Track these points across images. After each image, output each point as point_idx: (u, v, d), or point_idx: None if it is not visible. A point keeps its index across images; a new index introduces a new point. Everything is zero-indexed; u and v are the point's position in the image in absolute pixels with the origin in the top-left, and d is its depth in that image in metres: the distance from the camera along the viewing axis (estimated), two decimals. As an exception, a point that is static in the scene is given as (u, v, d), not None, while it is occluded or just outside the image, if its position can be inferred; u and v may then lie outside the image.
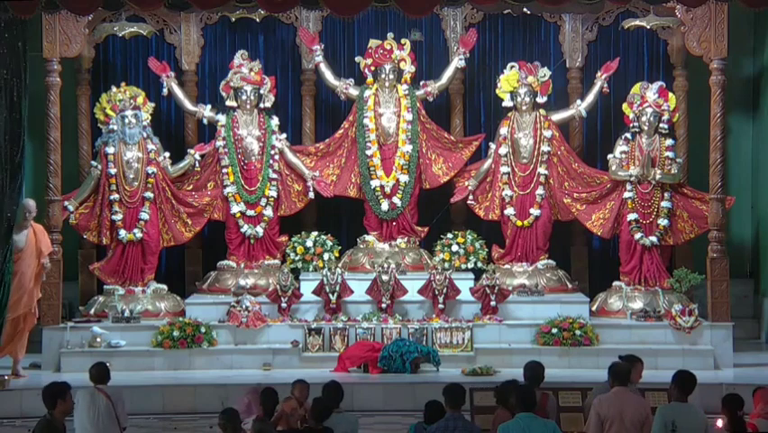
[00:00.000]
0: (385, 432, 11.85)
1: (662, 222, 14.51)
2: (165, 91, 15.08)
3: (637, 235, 14.53)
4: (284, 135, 15.24)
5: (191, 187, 15.16)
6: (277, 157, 15.12)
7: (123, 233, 14.53)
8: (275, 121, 15.18)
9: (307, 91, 15.68)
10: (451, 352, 13.72)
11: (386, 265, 14.31)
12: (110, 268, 14.70)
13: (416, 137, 15.14)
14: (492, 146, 15.20)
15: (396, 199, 15.12)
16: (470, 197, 15.18)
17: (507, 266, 14.97)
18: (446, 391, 8.00)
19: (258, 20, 15.52)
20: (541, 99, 14.99)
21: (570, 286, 14.95)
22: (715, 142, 14.10)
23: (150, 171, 14.69)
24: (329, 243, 15.03)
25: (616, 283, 14.71)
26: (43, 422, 8.12)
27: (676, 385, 7.92)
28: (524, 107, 14.96)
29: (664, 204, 14.51)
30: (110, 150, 14.61)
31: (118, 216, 14.58)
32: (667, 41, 15.43)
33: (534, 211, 14.95)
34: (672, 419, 7.53)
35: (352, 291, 14.33)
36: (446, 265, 14.64)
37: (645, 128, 14.57)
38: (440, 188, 15.36)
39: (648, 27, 14.96)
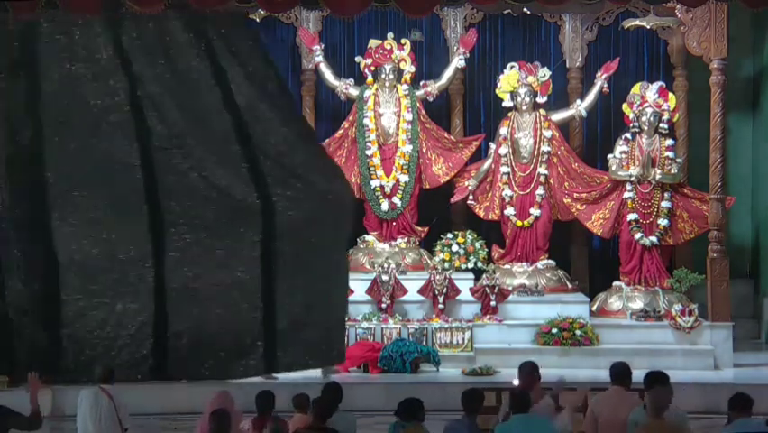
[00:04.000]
0: (385, 432, 11.81)
1: (662, 222, 14.50)
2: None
3: (637, 235, 14.52)
4: (284, 135, 15.23)
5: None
6: (277, 157, 15.10)
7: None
8: (275, 121, 15.16)
9: (307, 91, 15.67)
10: (451, 352, 13.71)
11: (386, 265, 14.30)
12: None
13: (416, 137, 15.14)
14: (492, 146, 15.19)
15: (396, 199, 15.11)
16: (470, 197, 15.18)
17: (507, 266, 14.97)
18: (463, 396, 8.13)
19: (258, 20, 15.48)
20: (541, 99, 14.99)
21: (570, 286, 14.94)
22: (715, 143, 14.10)
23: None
24: (329, 243, 15.01)
25: (616, 283, 14.70)
26: None
27: (645, 388, 7.83)
28: (524, 107, 14.96)
29: (664, 204, 14.50)
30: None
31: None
32: (667, 41, 15.44)
33: (534, 211, 14.95)
34: (636, 422, 7.51)
35: (352, 291, 14.27)
36: (446, 265, 14.63)
37: (645, 128, 14.55)
38: (440, 188, 15.36)
39: (648, 27, 14.96)
